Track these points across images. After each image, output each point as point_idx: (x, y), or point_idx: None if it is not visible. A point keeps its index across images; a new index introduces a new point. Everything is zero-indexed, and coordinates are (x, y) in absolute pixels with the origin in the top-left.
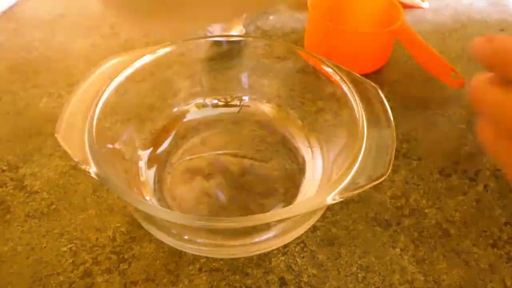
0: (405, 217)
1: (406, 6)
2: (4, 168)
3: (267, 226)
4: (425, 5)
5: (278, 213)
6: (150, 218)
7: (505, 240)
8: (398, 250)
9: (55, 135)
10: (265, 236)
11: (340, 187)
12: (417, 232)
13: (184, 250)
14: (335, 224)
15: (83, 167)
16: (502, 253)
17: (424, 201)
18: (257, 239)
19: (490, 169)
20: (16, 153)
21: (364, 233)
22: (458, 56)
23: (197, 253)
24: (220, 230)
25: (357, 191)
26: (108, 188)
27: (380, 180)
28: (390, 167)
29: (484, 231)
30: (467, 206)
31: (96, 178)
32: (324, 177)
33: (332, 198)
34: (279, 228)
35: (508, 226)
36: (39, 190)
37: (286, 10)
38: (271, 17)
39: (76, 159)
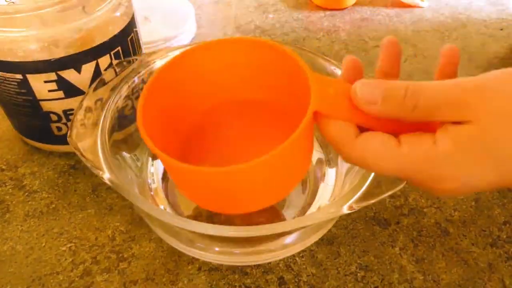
0: (404, 216)
1: (405, 6)
2: (3, 167)
3: (279, 235)
4: (425, 4)
5: (294, 222)
6: (164, 225)
7: (504, 239)
8: (397, 249)
9: (68, 139)
10: (278, 245)
11: (357, 196)
12: (416, 231)
13: (196, 256)
14: (334, 223)
15: (95, 172)
16: (501, 252)
17: (423, 200)
18: (268, 247)
19: None
20: (15, 152)
21: (363, 232)
22: None
23: (211, 261)
24: (234, 239)
25: (373, 200)
26: (122, 194)
27: (396, 189)
28: None
29: (483, 230)
30: (466, 205)
31: (110, 184)
32: (338, 183)
33: (348, 207)
34: (293, 236)
35: (507, 225)
36: (38, 190)
37: (286, 10)
38: (270, 16)
39: (89, 165)
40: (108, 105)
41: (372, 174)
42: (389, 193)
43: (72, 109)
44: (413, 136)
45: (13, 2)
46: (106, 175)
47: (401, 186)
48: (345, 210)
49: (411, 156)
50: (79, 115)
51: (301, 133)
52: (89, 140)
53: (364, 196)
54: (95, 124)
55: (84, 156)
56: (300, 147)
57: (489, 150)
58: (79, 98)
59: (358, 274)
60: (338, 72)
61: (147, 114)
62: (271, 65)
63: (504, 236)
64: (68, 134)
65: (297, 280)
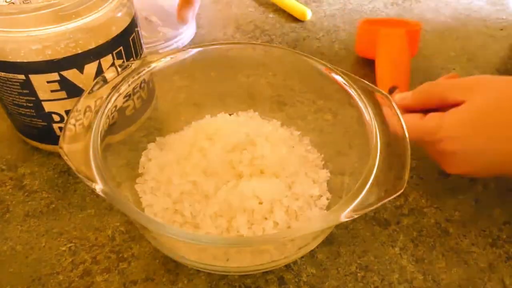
0: (404, 216)
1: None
2: (3, 167)
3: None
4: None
5: (291, 232)
6: (166, 238)
7: (504, 240)
8: (397, 249)
9: (58, 149)
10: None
11: (354, 203)
12: (416, 232)
13: (192, 266)
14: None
15: (88, 183)
16: (501, 252)
17: (423, 201)
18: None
19: None
20: (15, 152)
21: (363, 232)
22: (458, 55)
23: (206, 270)
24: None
25: (371, 208)
26: (116, 206)
27: (396, 195)
28: (406, 180)
29: (483, 231)
30: (466, 205)
31: (103, 195)
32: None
33: (346, 215)
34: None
35: (507, 225)
36: (38, 190)
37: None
38: (270, 16)
39: (80, 176)
40: (101, 111)
41: (370, 182)
42: (386, 200)
43: None
44: (431, 114)
45: (13, 3)
46: (98, 186)
47: (399, 193)
48: (343, 218)
49: (427, 121)
50: (70, 121)
51: None
52: (81, 143)
53: (362, 204)
54: (87, 130)
55: (74, 166)
56: None
57: (479, 122)
58: None
59: (358, 274)
60: (333, 75)
61: None
62: None
63: (504, 236)
64: (59, 145)
65: (297, 280)
